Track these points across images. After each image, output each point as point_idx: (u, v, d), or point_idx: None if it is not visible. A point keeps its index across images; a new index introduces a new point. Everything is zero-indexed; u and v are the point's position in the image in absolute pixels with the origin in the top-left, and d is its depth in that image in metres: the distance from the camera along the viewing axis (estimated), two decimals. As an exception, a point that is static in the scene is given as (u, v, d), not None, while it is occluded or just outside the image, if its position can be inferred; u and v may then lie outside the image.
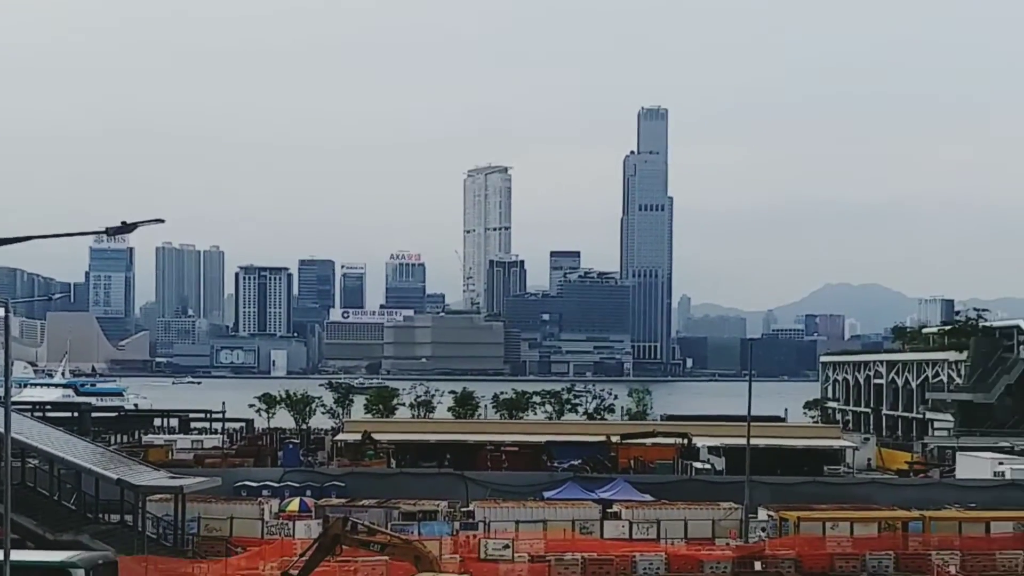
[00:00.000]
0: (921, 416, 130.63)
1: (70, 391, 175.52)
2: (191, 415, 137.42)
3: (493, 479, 75.82)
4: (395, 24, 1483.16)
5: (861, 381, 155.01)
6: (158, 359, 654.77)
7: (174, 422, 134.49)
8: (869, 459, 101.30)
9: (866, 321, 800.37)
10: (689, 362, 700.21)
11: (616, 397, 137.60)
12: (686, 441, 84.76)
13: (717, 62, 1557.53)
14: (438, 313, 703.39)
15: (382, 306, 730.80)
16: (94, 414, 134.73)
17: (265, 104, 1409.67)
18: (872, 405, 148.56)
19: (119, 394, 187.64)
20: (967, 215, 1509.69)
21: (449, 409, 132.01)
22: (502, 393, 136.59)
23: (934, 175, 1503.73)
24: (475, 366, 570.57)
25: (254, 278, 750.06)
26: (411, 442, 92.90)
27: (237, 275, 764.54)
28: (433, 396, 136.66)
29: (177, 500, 61.35)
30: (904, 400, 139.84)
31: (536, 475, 77.30)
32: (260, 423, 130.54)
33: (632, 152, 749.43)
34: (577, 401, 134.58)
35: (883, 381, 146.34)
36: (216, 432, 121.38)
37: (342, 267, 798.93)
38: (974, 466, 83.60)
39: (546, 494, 71.11)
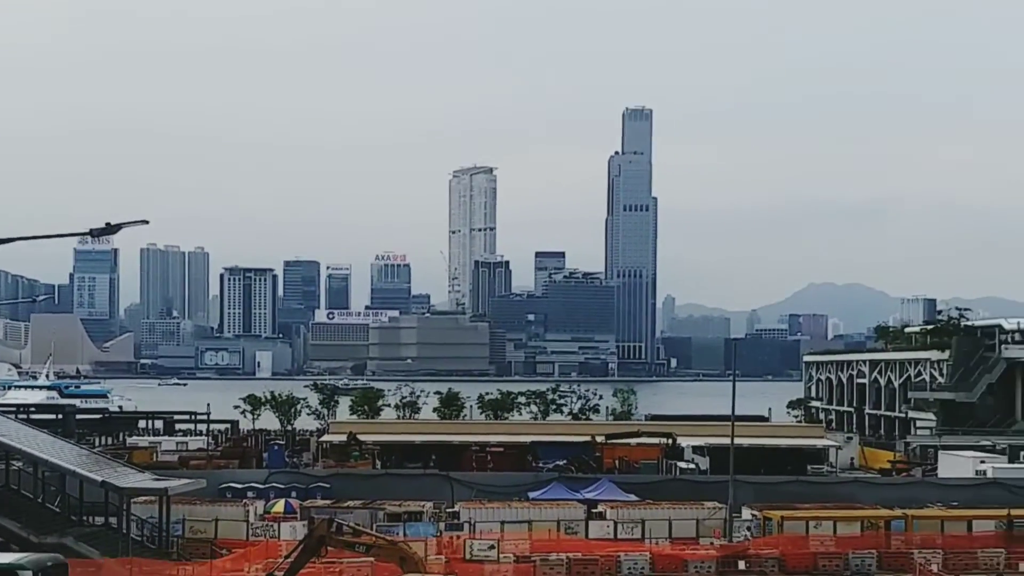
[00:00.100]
0: (903, 415, 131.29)
1: (54, 393, 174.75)
2: (176, 417, 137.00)
3: (478, 480, 75.94)
4: (377, 26, 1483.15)
5: (844, 380, 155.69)
6: (143, 361, 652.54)
7: (159, 424, 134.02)
8: (852, 458, 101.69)
9: (849, 321, 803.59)
10: (673, 362, 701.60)
11: (601, 397, 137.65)
12: (671, 441, 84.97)
13: (701, 63, 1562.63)
14: (423, 314, 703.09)
15: (367, 307, 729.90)
16: (78, 416, 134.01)
17: (251, 106, 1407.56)
18: (855, 404, 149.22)
19: (103, 396, 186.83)
20: (949, 215, 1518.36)
21: (434, 410, 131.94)
22: (487, 394, 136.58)
23: (917, 176, 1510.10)
24: (460, 367, 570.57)
25: (239, 279, 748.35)
26: (396, 443, 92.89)
27: (222, 276, 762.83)
28: (418, 397, 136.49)
29: (162, 502, 61.28)
30: (887, 399, 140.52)
31: (521, 475, 77.44)
32: (245, 424, 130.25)
33: (617, 152, 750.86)
34: (562, 401, 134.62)
35: (866, 380, 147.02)
36: (201, 434, 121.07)
37: (327, 268, 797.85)
38: (956, 465, 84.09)
39: (531, 494, 71.27)
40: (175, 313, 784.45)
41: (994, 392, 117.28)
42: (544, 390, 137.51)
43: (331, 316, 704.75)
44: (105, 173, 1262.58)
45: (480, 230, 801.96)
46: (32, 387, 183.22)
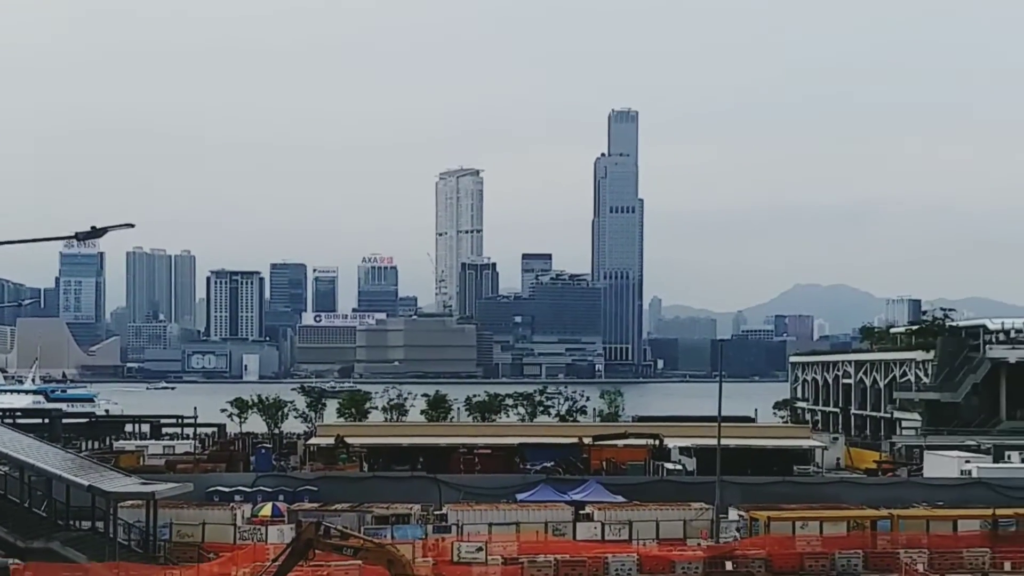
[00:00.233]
0: (889, 415, 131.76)
1: (40, 397, 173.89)
2: (162, 421, 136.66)
3: (466, 482, 75.98)
4: (365, 31, 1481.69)
5: (830, 381, 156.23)
6: (129, 364, 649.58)
7: (145, 428, 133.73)
8: (838, 458, 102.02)
9: (835, 321, 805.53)
10: (660, 363, 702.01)
11: (588, 399, 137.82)
12: (658, 442, 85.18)
13: (687, 65, 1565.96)
14: (410, 316, 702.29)
15: (354, 309, 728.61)
16: (65, 420, 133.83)
17: (238, 108, 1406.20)
18: (841, 405, 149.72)
19: (90, 400, 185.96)
20: (934, 217, 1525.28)
21: (422, 412, 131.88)
22: (475, 396, 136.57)
23: (901, 178, 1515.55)
24: (448, 369, 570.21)
25: (225, 282, 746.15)
26: (384, 446, 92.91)
27: (208, 279, 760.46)
28: (406, 399, 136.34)
29: (149, 506, 61.20)
30: (872, 400, 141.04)
31: (509, 477, 77.49)
32: (232, 428, 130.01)
33: (603, 154, 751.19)
34: (549, 403, 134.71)
35: (851, 381, 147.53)
36: (188, 437, 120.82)
37: (314, 271, 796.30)
38: (941, 465, 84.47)
39: (519, 496, 71.33)
40: (161, 316, 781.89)
41: (979, 392, 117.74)
42: (531, 392, 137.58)
43: (318, 319, 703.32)
44: (90, 176, 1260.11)
45: (467, 232, 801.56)
46: (18, 391, 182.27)
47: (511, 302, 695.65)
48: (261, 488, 73.50)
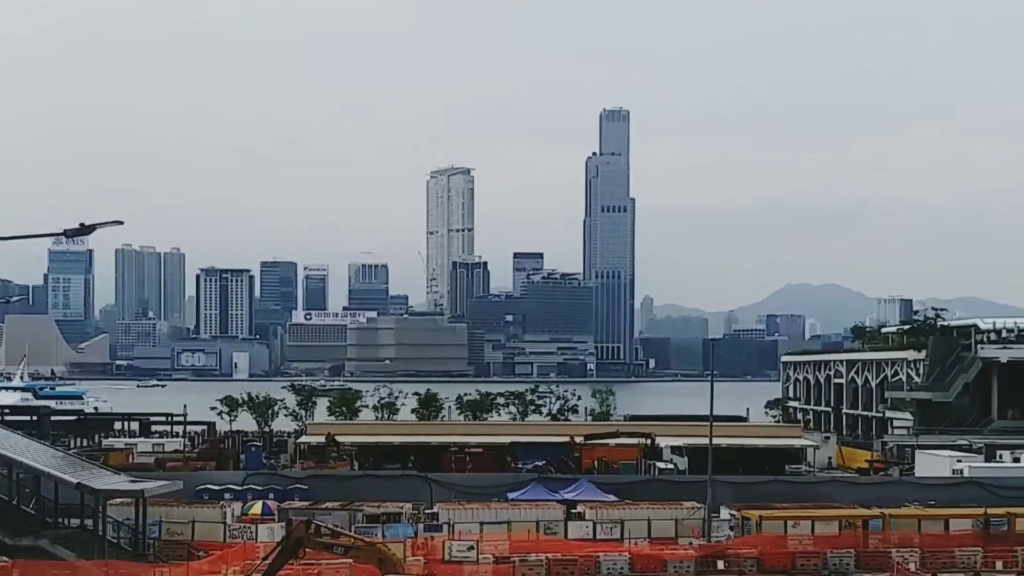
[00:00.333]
0: (881, 415, 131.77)
1: (29, 394, 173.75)
2: (152, 418, 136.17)
3: (457, 481, 75.79)
4: (356, 29, 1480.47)
5: (821, 380, 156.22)
6: (118, 362, 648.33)
7: (135, 425, 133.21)
8: (830, 458, 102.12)
9: (826, 321, 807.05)
10: (652, 363, 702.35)
11: (580, 398, 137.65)
12: (649, 441, 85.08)
13: (679, 65, 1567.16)
14: (401, 315, 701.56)
15: (345, 308, 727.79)
16: (53, 418, 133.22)
17: (226, 107, 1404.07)
18: (832, 404, 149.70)
19: (79, 397, 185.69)
20: (925, 217, 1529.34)
21: (413, 411, 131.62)
22: (466, 394, 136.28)
23: (892, 178, 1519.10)
24: (439, 367, 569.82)
25: (215, 280, 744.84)
26: (375, 444, 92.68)
27: (198, 277, 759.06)
28: (397, 398, 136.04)
29: (138, 504, 60.89)
30: (864, 399, 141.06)
31: (500, 476, 77.35)
32: (222, 426, 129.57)
33: (594, 153, 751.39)
34: (541, 402, 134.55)
35: (843, 380, 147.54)
36: (177, 435, 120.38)
37: (304, 269, 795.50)
38: (933, 464, 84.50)
39: (510, 495, 71.19)
40: (151, 314, 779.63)
41: (970, 392, 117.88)
42: (523, 391, 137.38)
43: (308, 317, 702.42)
44: (79, 174, 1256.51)
45: (458, 231, 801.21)
46: (6, 389, 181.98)
47: (502, 301, 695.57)
48: (251, 486, 73.25)
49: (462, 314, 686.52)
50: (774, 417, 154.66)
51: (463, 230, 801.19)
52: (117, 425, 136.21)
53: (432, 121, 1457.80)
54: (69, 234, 31.56)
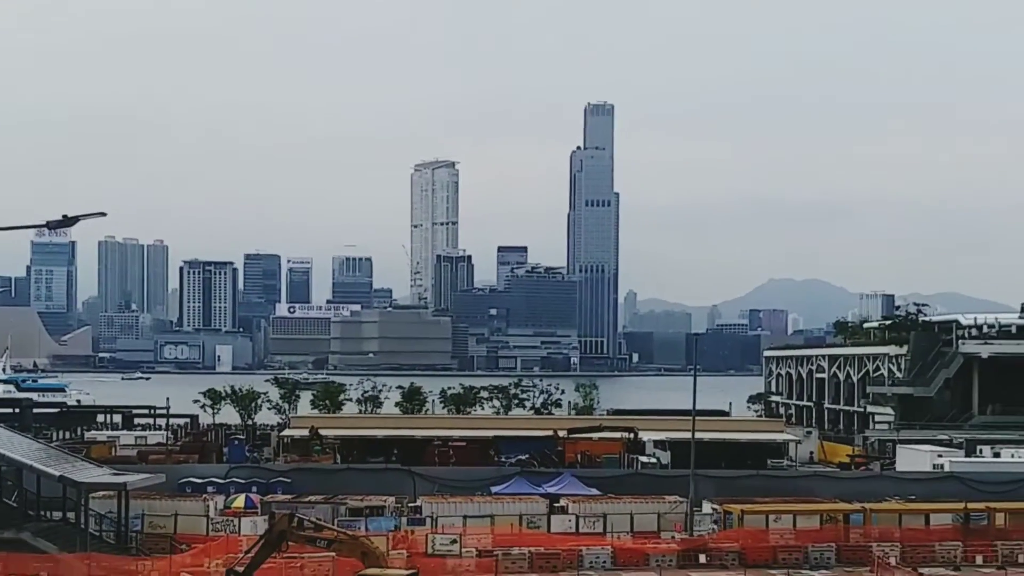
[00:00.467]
0: (862, 410, 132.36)
1: (11, 387, 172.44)
2: (135, 411, 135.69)
3: (440, 474, 75.84)
4: (340, 20, 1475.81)
5: (804, 375, 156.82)
6: (101, 354, 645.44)
7: (117, 418, 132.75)
8: (811, 452, 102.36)
9: (809, 316, 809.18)
10: (635, 357, 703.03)
11: (563, 392, 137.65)
12: (632, 435, 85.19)
13: (664, 60, 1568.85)
14: (385, 308, 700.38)
15: (329, 301, 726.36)
16: (35, 410, 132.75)
17: (211, 98, 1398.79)
18: (814, 399, 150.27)
19: (61, 390, 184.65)
20: (907, 212, 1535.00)
21: (396, 404, 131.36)
22: (449, 388, 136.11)
23: (874, 174, 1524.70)
24: (422, 361, 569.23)
25: (198, 272, 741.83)
26: (358, 437, 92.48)
27: (181, 269, 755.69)
28: (380, 391, 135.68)
29: (120, 497, 60.77)
30: (846, 394, 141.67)
31: (483, 470, 77.40)
32: (205, 419, 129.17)
33: (578, 147, 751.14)
34: (524, 396, 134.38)
35: (825, 375, 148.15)
36: (160, 428, 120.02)
37: (288, 261, 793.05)
38: (914, 459, 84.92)
39: (493, 489, 71.27)
40: (134, 306, 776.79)
41: (951, 387, 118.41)
42: (506, 384, 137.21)
43: (292, 310, 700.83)
44: (62, 165, 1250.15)
45: (442, 224, 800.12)
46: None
47: (486, 295, 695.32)
48: (234, 479, 73.11)
49: (446, 308, 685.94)
50: (756, 412, 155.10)
51: (447, 223, 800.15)
52: (100, 418, 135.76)
53: (417, 114, 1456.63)
54: (52, 226, 31.52)
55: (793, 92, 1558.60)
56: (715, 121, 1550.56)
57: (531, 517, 65.69)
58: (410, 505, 68.27)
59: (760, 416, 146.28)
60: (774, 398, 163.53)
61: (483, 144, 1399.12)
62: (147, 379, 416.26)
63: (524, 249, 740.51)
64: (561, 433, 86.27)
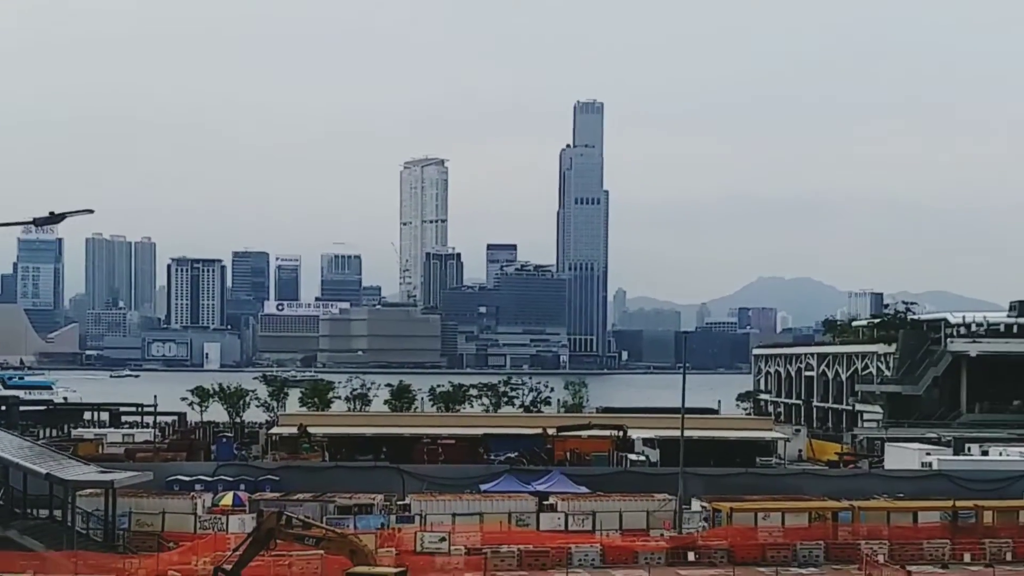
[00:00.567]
0: (851, 408, 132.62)
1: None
2: (122, 409, 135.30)
3: (429, 472, 75.74)
4: (330, 16, 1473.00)
5: (792, 373, 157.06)
6: (88, 352, 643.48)
7: (104, 416, 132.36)
8: (800, 450, 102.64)
9: (798, 314, 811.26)
10: (625, 355, 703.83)
11: (552, 390, 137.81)
12: (621, 433, 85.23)
13: (654, 58, 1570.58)
14: (374, 306, 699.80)
15: (317, 299, 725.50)
16: (22, 408, 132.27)
17: (201, 94, 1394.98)
18: (803, 397, 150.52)
19: (48, 387, 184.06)
20: (897, 210, 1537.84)
21: (385, 402, 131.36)
22: (439, 386, 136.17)
23: (863, 172, 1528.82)
24: (412, 359, 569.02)
25: (187, 270, 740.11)
26: (347, 435, 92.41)
27: (169, 267, 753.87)
28: (369, 389, 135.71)
29: (108, 495, 60.55)
30: (834, 392, 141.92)
31: (473, 468, 77.29)
32: (193, 417, 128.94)
33: (568, 145, 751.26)
34: (514, 394, 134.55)
35: (814, 373, 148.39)
36: (148, 426, 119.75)
37: (277, 259, 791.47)
38: (902, 457, 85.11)
39: (483, 487, 71.18)
40: (121, 304, 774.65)
41: (940, 385, 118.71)
42: (496, 382, 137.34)
43: (280, 308, 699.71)
44: (50, 162, 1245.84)
45: (431, 222, 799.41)
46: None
47: (476, 292, 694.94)
48: (222, 477, 72.89)
49: (435, 305, 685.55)
50: (745, 410, 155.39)
51: (436, 221, 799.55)
52: (87, 415, 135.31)
53: (406, 111, 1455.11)
54: (39, 223, 31.33)
55: (786, 91, 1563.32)
56: (706, 119, 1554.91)
57: (520, 515, 65.64)
58: (399, 503, 68.14)
59: (749, 414, 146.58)
60: (763, 396, 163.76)
61: (473, 142, 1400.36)
62: (136, 376, 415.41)
63: (514, 247, 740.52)
64: (550, 431, 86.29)
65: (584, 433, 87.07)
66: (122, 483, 60.86)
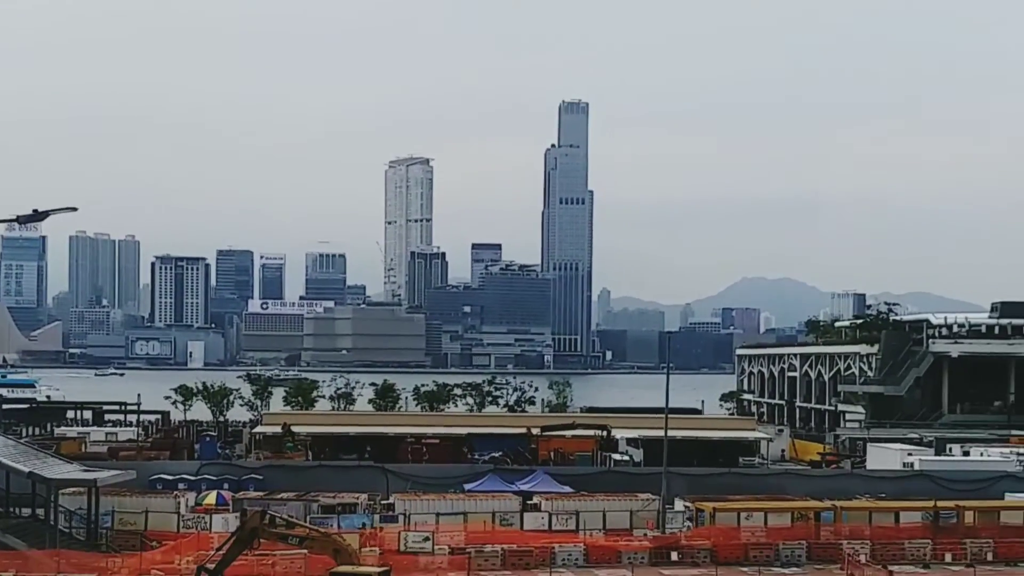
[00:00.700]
0: (833, 408, 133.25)
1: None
2: (105, 407, 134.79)
3: (414, 471, 75.81)
4: (313, 15, 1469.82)
5: (775, 374, 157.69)
6: (71, 350, 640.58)
7: (88, 414, 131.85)
8: (783, 450, 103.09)
9: (781, 315, 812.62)
10: (609, 355, 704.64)
11: (537, 389, 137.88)
12: (605, 433, 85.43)
13: (639, 58, 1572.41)
14: (359, 305, 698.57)
15: (302, 297, 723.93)
16: (4, 406, 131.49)
17: (185, 92, 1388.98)
18: (786, 397, 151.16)
19: (30, 386, 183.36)
20: (879, 212, 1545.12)
21: (370, 401, 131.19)
22: (423, 385, 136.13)
23: (846, 173, 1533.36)
24: (396, 358, 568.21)
25: (171, 268, 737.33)
26: (331, 435, 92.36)
27: (153, 265, 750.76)
28: (353, 388, 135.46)
29: (91, 493, 60.38)
30: (817, 392, 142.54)
31: (457, 467, 77.41)
32: (176, 415, 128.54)
33: (553, 145, 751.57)
34: (498, 393, 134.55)
35: (797, 374, 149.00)
36: (131, 424, 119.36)
37: (261, 257, 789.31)
38: (884, 457, 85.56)
39: (467, 486, 71.27)
40: (105, 302, 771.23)
41: (922, 386, 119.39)
42: (480, 382, 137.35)
43: (265, 306, 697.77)
44: (33, 159, 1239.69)
45: (416, 221, 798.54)
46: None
47: (460, 292, 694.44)
48: (206, 476, 72.82)
49: (420, 305, 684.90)
50: (728, 410, 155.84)
51: (421, 220, 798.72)
52: (70, 414, 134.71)
53: (391, 110, 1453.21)
54: (22, 220, 31.27)
55: (766, 90, 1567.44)
56: (690, 119, 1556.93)
57: (504, 514, 65.71)
58: (383, 502, 68.15)
59: (732, 414, 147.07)
60: (746, 396, 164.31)
61: (458, 141, 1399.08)
62: (121, 375, 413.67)
63: (498, 246, 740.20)
64: (534, 431, 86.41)
65: (568, 433, 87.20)
66: (105, 482, 60.70)
